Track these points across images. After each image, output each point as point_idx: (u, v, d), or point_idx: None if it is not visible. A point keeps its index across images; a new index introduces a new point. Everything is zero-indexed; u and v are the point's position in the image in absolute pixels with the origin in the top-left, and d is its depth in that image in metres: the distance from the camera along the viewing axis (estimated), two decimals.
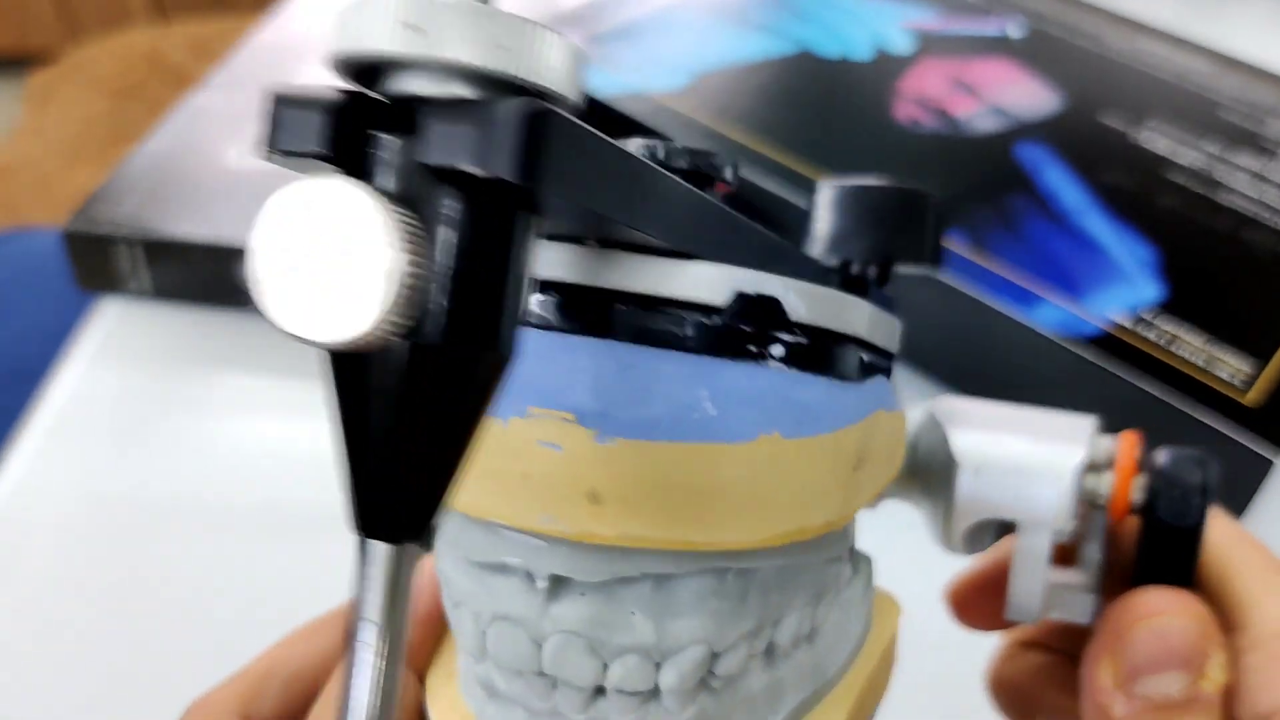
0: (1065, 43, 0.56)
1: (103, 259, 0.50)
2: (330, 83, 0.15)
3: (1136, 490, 0.22)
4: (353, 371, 0.15)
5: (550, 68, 0.14)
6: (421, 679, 0.25)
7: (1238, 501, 0.38)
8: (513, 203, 0.15)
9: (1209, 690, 0.21)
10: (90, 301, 0.52)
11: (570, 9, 0.53)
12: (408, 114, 0.14)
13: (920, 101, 0.50)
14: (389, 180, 0.14)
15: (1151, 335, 0.40)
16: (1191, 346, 0.39)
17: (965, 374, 0.44)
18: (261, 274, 0.14)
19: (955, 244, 0.43)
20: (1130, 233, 0.44)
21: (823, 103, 0.50)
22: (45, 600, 0.40)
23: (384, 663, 0.15)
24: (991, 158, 0.47)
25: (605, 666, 0.20)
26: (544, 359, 0.18)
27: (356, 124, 0.14)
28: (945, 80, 0.51)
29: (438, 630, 0.25)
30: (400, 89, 0.15)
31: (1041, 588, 0.23)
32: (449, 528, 0.20)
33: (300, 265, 0.14)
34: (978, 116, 0.49)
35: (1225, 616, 0.22)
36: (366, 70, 0.15)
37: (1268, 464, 0.36)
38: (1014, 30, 0.56)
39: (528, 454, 0.18)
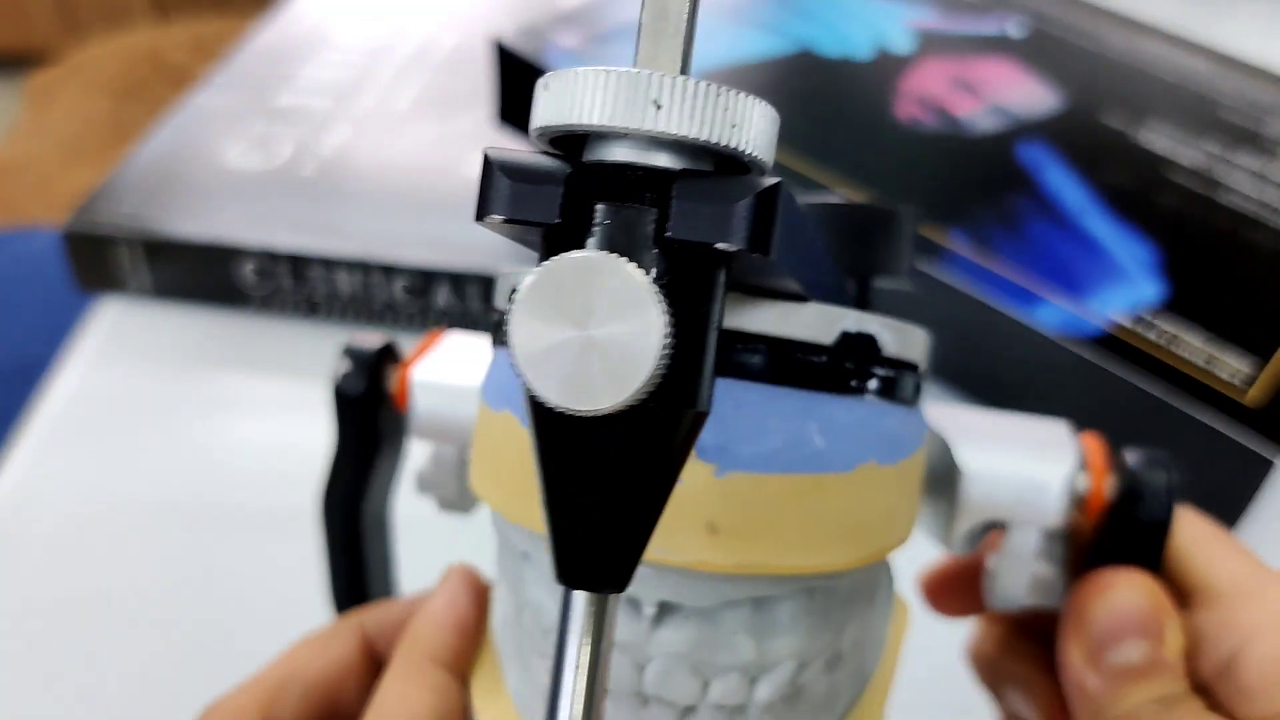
0: (1066, 42, 0.56)
1: (103, 258, 0.50)
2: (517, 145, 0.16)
3: (1108, 489, 0.24)
4: (561, 432, 0.15)
5: (764, 138, 0.15)
6: (469, 683, 0.25)
7: (1237, 501, 0.38)
8: (719, 264, 0.15)
9: (1169, 655, 0.23)
10: (90, 301, 0.52)
11: (570, 9, 0.53)
12: (626, 181, 0.15)
13: (921, 101, 0.50)
14: (601, 244, 0.15)
15: (1152, 335, 0.40)
16: (1192, 346, 0.39)
17: (966, 374, 0.44)
18: (526, 348, 0.14)
19: (956, 244, 0.43)
20: (1131, 232, 0.44)
21: (824, 102, 0.50)
22: (45, 600, 0.40)
23: (587, 706, 0.16)
24: (992, 157, 0.47)
25: (705, 685, 0.21)
26: None
27: (584, 193, 0.15)
28: (946, 80, 0.51)
29: (477, 638, 0.25)
30: (618, 159, 0.15)
31: (1028, 579, 0.25)
32: (540, 556, 0.21)
33: (567, 338, 0.14)
34: (979, 116, 0.49)
35: (1185, 589, 0.24)
36: (570, 138, 0.16)
37: (1268, 464, 0.36)
38: (1015, 30, 0.56)
39: None
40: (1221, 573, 0.24)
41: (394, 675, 0.24)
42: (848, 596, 0.22)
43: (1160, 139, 0.49)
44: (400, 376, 0.27)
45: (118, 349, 0.50)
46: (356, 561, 0.29)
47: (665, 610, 0.21)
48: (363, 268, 0.48)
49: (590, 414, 0.14)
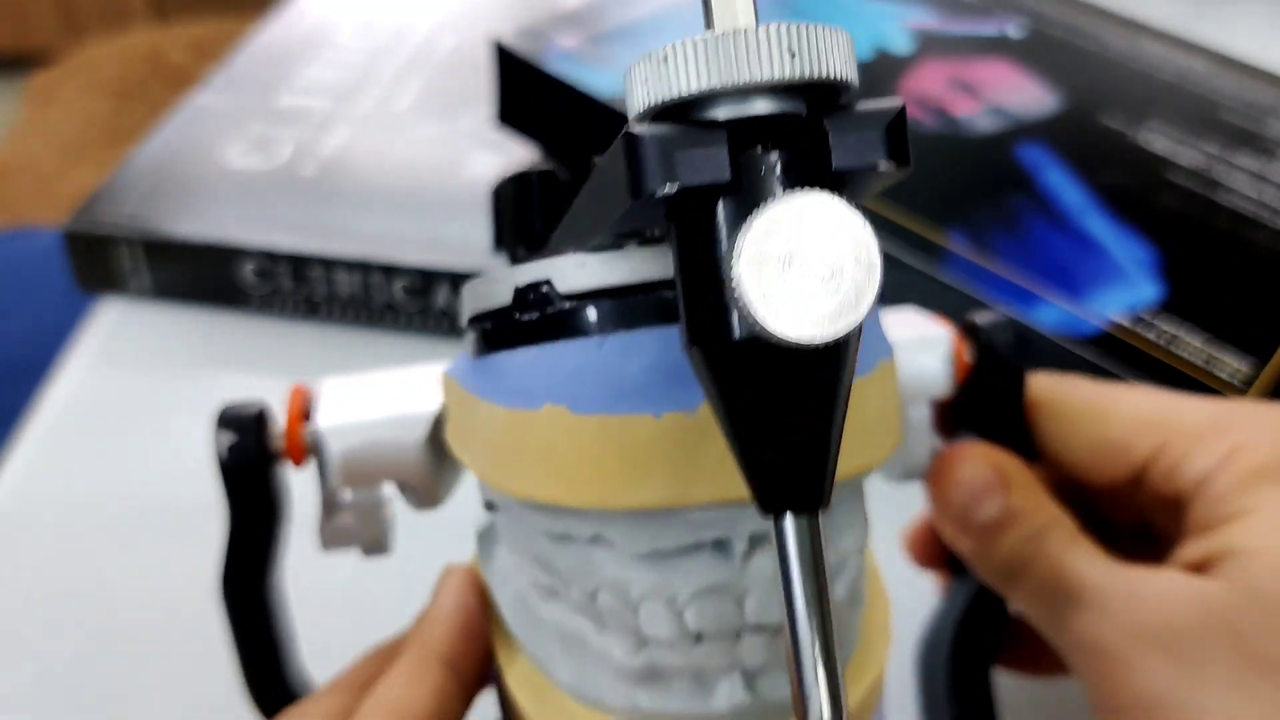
0: (1065, 43, 0.56)
1: (103, 259, 0.50)
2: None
3: (968, 354, 0.28)
4: (777, 367, 0.16)
5: (856, 62, 0.17)
6: (469, 688, 0.25)
7: None
8: (843, 186, 0.17)
9: (1019, 501, 0.26)
10: (90, 301, 0.52)
11: (570, 9, 0.53)
12: (778, 129, 0.16)
13: (920, 102, 0.50)
14: (779, 189, 0.16)
15: (1151, 335, 0.40)
16: (1191, 346, 0.39)
17: None
18: (765, 295, 0.15)
19: (955, 244, 0.43)
20: (1130, 233, 0.44)
21: None
22: (45, 600, 0.40)
23: (824, 635, 0.16)
24: (992, 158, 0.47)
25: None
26: None
27: (741, 146, 0.16)
28: (945, 80, 0.51)
29: (483, 643, 0.25)
30: (745, 113, 0.16)
31: (928, 449, 0.28)
32: (614, 533, 0.21)
33: (802, 277, 0.15)
34: (978, 117, 0.49)
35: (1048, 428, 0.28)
36: (681, 104, 0.16)
37: None
38: (1014, 31, 0.56)
39: (718, 435, 0.19)
40: (1062, 397, 0.28)
41: (400, 672, 0.24)
42: (863, 483, 0.24)
43: (1160, 139, 0.49)
44: (289, 433, 0.26)
45: (118, 349, 0.50)
46: (269, 642, 0.28)
47: (754, 544, 0.22)
48: (363, 268, 0.48)
49: (827, 342, 0.15)
